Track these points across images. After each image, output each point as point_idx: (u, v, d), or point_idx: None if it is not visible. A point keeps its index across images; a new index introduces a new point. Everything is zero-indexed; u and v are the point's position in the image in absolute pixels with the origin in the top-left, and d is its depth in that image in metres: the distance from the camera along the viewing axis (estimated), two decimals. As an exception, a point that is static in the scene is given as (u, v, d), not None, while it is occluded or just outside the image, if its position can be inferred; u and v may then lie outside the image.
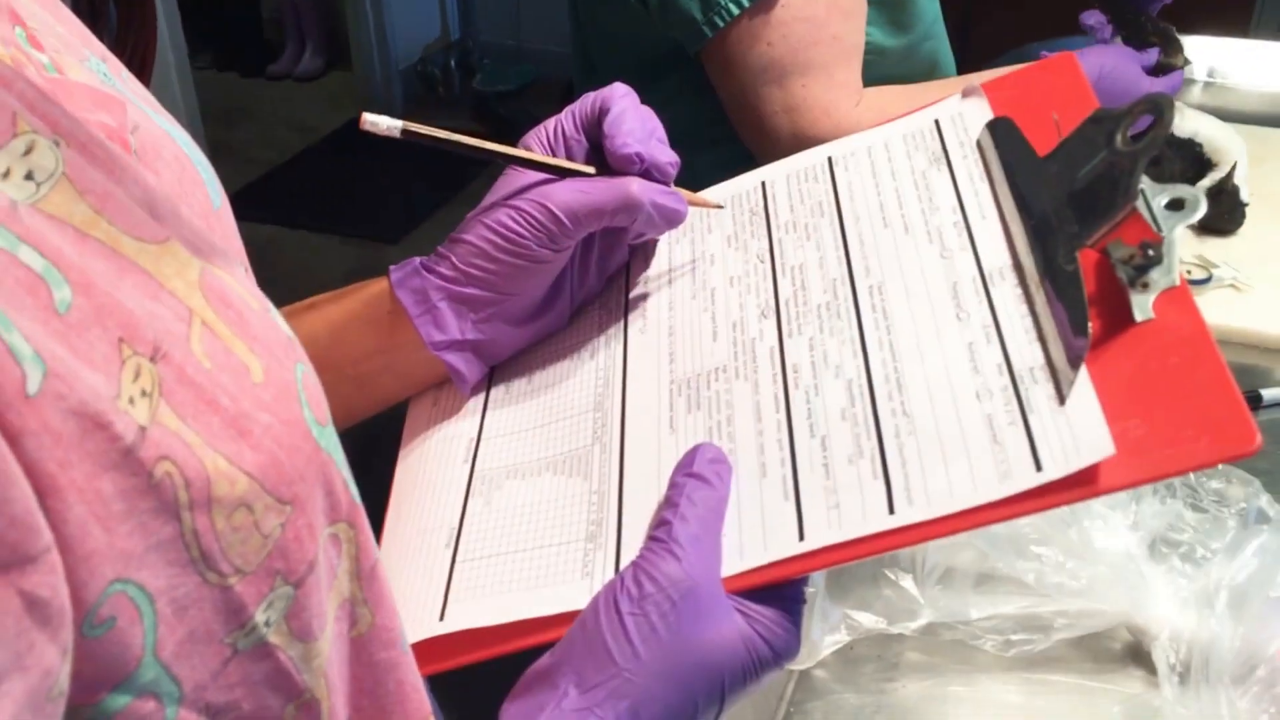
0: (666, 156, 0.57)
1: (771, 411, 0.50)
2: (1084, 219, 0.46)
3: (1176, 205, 0.47)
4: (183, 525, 0.28)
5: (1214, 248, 1.19)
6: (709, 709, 0.43)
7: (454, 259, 0.57)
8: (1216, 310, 1.09)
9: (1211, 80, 1.68)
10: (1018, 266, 0.50)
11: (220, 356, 0.31)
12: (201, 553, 0.29)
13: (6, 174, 0.28)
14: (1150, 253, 0.45)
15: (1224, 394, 0.41)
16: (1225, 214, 1.23)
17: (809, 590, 0.70)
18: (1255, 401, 0.99)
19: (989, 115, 0.58)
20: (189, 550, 0.29)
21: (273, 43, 4.39)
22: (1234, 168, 1.23)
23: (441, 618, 0.49)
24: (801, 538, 0.44)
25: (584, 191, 0.55)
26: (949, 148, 0.58)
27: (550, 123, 0.59)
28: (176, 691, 0.29)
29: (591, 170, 0.57)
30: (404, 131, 0.53)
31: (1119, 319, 0.45)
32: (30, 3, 0.39)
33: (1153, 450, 0.41)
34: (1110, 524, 0.72)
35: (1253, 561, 0.66)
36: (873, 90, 1.07)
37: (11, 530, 0.23)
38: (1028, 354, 0.46)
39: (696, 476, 0.47)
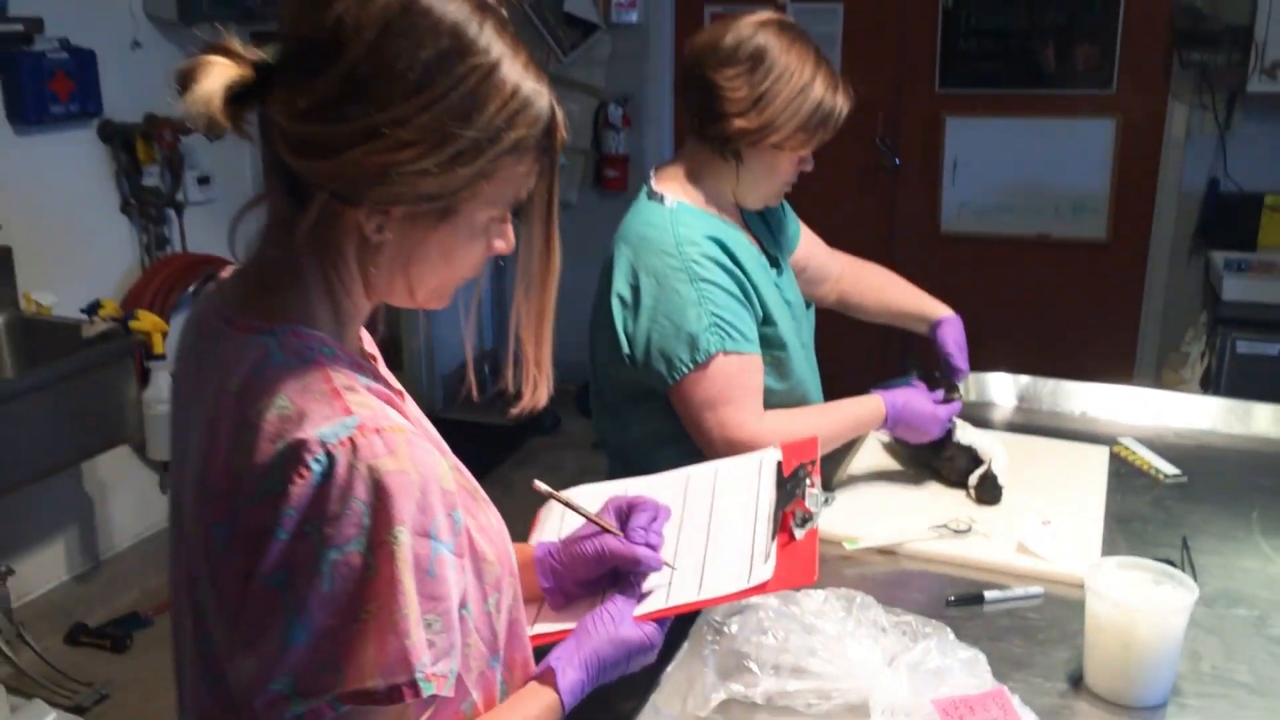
0: (657, 540, 1.20)
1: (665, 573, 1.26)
2: (783, 503, 1.25)
3: (825, 500, 1.27)
4: None
5: (981, 511, 1.89)
6: (619, 666, 1.13)
7: (558, 556, 1.29)
8: (972, 548, 1.76)
9: (1020, 405, 2.45)
10: (771, 518, 1.27)
11: (421, 427, 1.07)
12: None
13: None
14: (806, 519, 1.24)
15: (807, 560, 1.18)
16: (988, 492, 1.92)
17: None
18: (979, 599, 1.66)
19: (779, 458, 1.37)
20: None
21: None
22: (991, 462, 1.95)
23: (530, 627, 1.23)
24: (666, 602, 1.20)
25: (617, 544, 1.17)
26: (762, 475, 1.37)
27: (612, 503, 1.23)
28: None
29: (620, 533, 1.21)
30: (549, 495, 1.32)
31: (791, 538, 1.23)
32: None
33: (781, 578, 1.17)
34: (865, 645, 1.46)
35: (904, 669, 1.39)
36: (770, 412, 1.80)
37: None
38: (762, 549, 1.23)
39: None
